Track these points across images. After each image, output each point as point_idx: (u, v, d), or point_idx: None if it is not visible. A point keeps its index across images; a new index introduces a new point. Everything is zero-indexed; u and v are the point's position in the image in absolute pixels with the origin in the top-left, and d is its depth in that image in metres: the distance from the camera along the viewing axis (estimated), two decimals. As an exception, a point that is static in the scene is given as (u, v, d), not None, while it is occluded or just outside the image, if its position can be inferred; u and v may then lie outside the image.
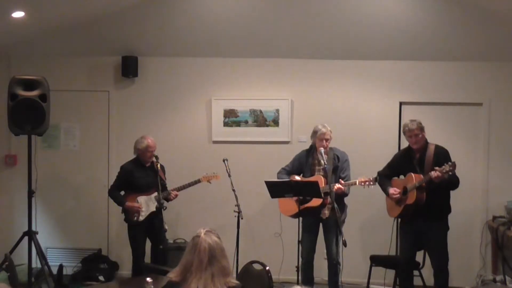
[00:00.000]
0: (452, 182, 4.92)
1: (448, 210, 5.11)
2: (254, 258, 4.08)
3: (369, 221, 6.40)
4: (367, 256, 5.79)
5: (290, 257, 5.82)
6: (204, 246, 2.77)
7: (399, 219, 5.36)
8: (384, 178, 5.32)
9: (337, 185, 5.20)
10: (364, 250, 6.17)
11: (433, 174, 4.77)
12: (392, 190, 5.15)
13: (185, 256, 2.84)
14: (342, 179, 5.34)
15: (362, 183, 5.20)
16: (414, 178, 4.92)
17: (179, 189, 5.73)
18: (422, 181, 4.87)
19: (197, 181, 5.76)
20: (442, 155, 4.94)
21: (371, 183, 5.18)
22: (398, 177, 5.29)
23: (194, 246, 2.79)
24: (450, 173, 4.72)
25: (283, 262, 6.06)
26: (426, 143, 5.09)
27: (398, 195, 5.09)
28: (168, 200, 5.75)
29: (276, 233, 6.12)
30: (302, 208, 5.17)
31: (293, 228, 5.40)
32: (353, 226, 5.98)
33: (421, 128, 5.04)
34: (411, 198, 4.96)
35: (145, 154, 5.63)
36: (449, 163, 4.73)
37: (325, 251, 5.54)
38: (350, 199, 5.53)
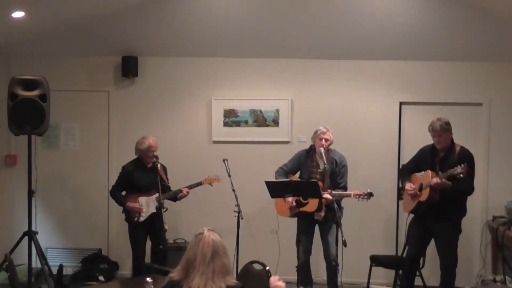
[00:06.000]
0: (460, 192, 4.88)
1: (463, 212, 5.03)
2: (254, 258, 4.08)
3: (369, 221, 6.40)
4: (367, 256, 5.79)
5: (287, 257, 5.84)
6: (208, 241, 2.81)
7: (408, 217, 5.33)
8: (406, 171, 5.29)
9: (326, 195, 5.14)
10: (364, 250, 6.16)
11: (434, 180, 4.77)
12: (408, 186, 5.12)
13: (187, 253, 2.86)
14: (339, 184, 5.32)
15: (356, 196, 5.17)
16: (430, 176, 4.89)
17: (191, 187, 5.71)
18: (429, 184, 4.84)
19: (199, 184, 5.74)
20: (465, 158, 4.84)
21: (365, 197, 5.14)
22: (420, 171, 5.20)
23: (198, 242, 2.82)
24: (462, 175, 4.63)
25: (280, 262, 6.03)
26: (452, 144, 5.01)
27: (413, 191, 5.05)
28: (177, 199, 5.72)
29: (273, 230, 6.08)
30: (298, 211, 5.20)
31: (290, 228, 5.39)
32: (353, 226, 5.97)
33: (445, 129, 4.94)
34: (423, 196, 4.93)
35: (147, 155, 5.62)
36: (461, 165, 4.63)
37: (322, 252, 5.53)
38: (350, 199, 5.52)
